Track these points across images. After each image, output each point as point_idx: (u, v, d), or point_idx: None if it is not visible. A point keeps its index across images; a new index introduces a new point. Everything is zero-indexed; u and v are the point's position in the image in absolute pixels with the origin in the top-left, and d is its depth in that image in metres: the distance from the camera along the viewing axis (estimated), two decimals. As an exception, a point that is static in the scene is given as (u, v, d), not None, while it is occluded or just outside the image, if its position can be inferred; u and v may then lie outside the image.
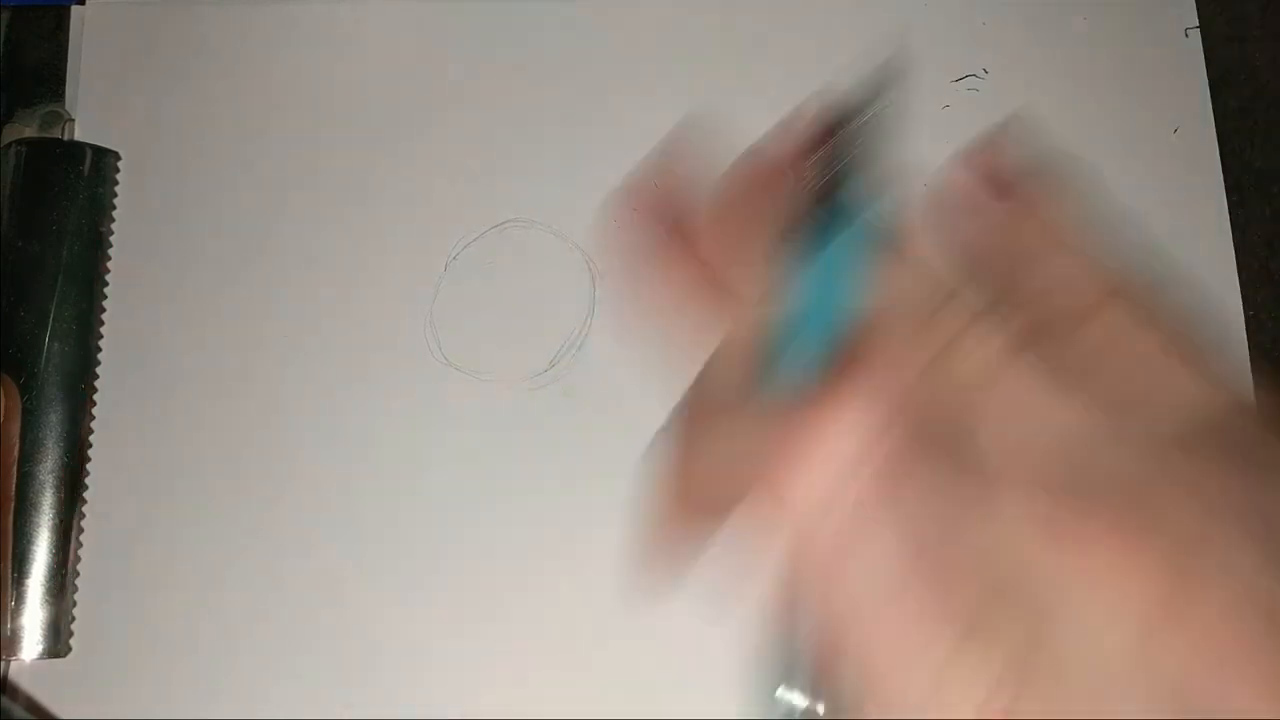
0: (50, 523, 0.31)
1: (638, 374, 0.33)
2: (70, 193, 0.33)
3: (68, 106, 0.35)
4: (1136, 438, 0.17)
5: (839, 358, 0.19)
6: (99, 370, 0.33)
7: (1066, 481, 0.16)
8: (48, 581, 0.31)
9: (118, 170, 0.34)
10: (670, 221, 0.24)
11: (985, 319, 0.19)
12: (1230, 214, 0.33)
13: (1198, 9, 0.35)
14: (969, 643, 0.16)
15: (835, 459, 0.17)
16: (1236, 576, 0.15)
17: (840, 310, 0.20)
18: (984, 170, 0.23)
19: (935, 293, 0.20)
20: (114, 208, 0.34)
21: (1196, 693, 0.15)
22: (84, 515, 0.32)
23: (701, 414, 0.21)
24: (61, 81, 0.35)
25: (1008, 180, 0.23)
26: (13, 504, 0.31)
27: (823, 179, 0.23)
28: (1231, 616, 0.15)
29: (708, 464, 0.20)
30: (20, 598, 0.30)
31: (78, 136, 0.34)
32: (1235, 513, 0.16)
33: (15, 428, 0.31)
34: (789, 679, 0.20)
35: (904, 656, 0.16)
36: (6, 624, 0.30)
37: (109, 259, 0.33)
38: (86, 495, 0.32)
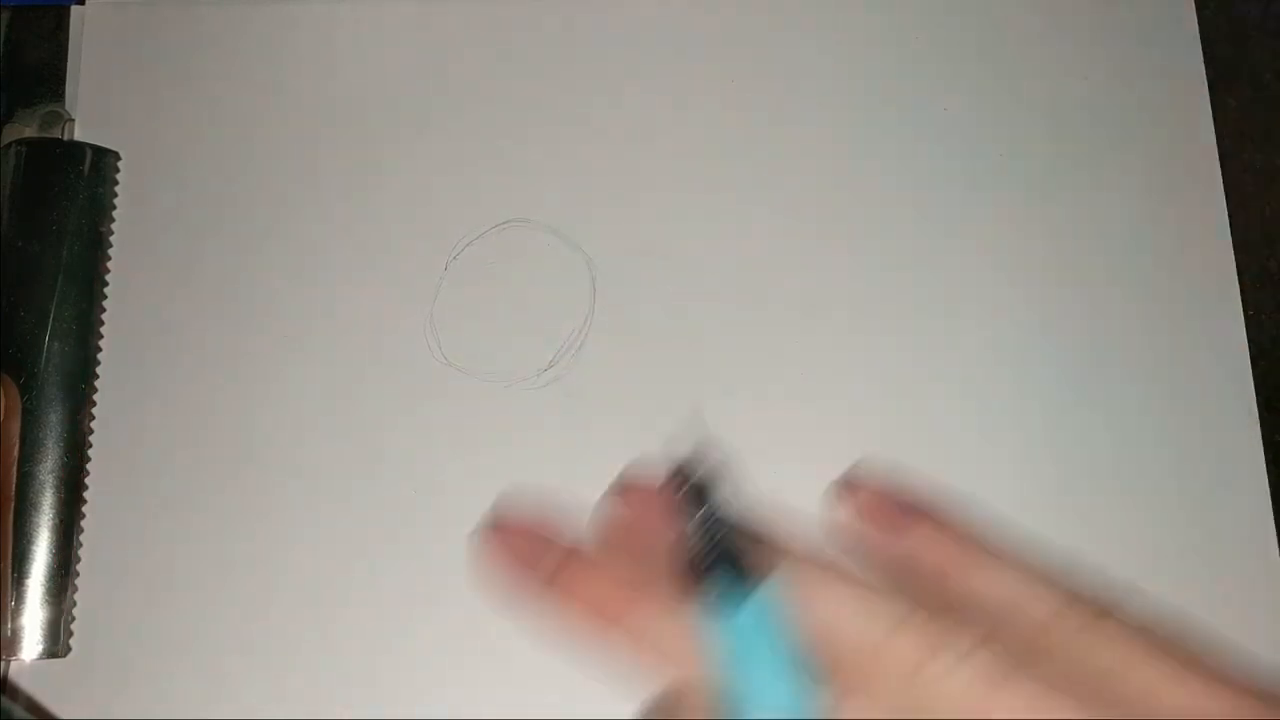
0: (50, 523, 0.31)
1: (638, 374, 0.33)
2: (70, 193, 0.33)
3: (68, 106, 0.35)
4: None
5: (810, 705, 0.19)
6: (99, 370, 0.33)
7: None
8: (48, 581, 0.31)
9: (118, 170, 0.34)
10: (548, 567, 0.22)
11: (943, 640, 0.18)
12: (1230, 214, 0.33)
13: (1197, 9, 0.35)
14: None
15: None
16: None
17: (786, 662, 0.19)
18: (873, 510, 0.23)
19: (877, 621, 0.19)
20: (114, 208, 0.34)
21: None
22: (84, 515, 0.32)
23: None
24: (61, 81, 0.35)
25: (898, 513, 0.23)
26: (13, 504, 0.31)
27: (701, 553, 0.21)
28: None
29: None
30: (20, 598, 0.31)
31: (78, 136, 0.34)
32: None
33: (15, 428, 0.31)
34: None
35: None
36: (6, 624, 0.30)
37: (109, 259, 0.33)
38: (86, 495, 0.32)
